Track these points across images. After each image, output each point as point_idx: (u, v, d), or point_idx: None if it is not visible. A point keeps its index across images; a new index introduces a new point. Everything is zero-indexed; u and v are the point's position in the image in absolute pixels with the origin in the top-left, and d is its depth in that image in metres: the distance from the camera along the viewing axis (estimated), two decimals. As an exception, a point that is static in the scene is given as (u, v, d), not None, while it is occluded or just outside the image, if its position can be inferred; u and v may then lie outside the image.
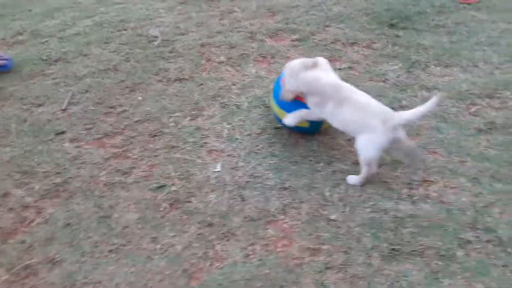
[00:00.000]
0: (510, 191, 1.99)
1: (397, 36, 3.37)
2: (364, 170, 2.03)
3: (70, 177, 2.28)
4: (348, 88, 2.10)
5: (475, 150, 2.24)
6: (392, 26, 3.54)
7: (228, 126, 2.56)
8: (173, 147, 2.42)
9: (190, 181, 2.18)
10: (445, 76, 2.86)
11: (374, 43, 3.33)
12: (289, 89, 2.16)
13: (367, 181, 2.09)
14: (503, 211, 1.90)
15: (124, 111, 2.76)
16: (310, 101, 2.16)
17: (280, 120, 2.34)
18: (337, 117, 2.09)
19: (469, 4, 3.85)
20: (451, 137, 2.34)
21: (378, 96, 2.49)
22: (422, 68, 2.96)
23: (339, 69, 3.07)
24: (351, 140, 2.39)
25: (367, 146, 1.99)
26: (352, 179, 2.10)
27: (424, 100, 2.61)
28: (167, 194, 2.11)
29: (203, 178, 2.19)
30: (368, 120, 1.98)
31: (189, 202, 2.06)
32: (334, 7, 4.00)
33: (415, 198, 2.00)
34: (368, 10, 3.85)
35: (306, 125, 2.31)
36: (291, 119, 2.22)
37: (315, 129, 2.39)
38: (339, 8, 3.98)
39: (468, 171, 2.12)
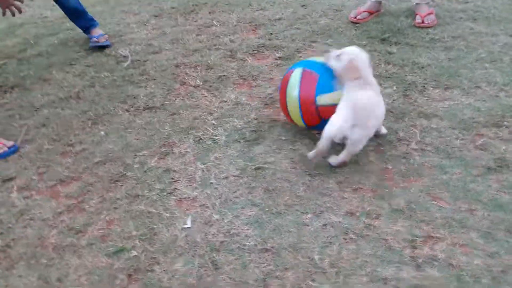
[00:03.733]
0: (531, 250, 1.68)
1: (390, 53, 3.07)
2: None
3: (13, 239, 1.93)
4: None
5: (486, 195, 1.93)
6: (383, 41, 3.24)
7: (202, 167, 2.23)
8: (136, 196, 2.08)
9: (154, 243, 1.84)
10: (445, 100, 2.56)
11: (365, 61, 3.01)
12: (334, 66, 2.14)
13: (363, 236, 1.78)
14: (525, 278, 1.59)
15: (84, 149, 2.41)
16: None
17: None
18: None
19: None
20: (457, 178, 2.03)
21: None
22: (419, 91, 2.66)
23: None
24: (343, 183, 2.08)
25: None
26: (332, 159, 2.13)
27: (424, 130, 2.32)
28: (125, 260, 1.77)
29: (170, 237, 1.85)
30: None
31: (151, 271, 1.73)
32: (320, 20, 3.69)
33: (419, 261, 1.68)
34: (357, 23, 3.55)
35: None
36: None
37: None
38: (326, 20, 3.67)
39: (479, 223, 1.81)
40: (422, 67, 2.88)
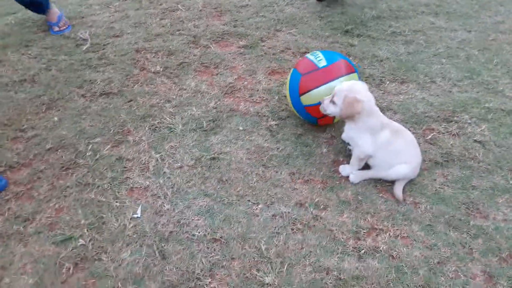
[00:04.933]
0: (464, 242, 1.76)
1: (351, 45, 3.10)
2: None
3: (-44, 227, 1.88)
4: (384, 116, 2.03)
5: (430, 189, 2.00)
6: (346, 32, 3.27)
7: (156, 156, 2.21)
8: (87, 184, 2.05)
9: (102, 232, 1.83)
10: (400, 94, 2.62)
11: (327, 53, 3.03)
12: (333, 112, 2.00)
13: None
14: (458, 269, 1.67)
15: (36, 135, 2.35)
16: (361, 124, 1.93)
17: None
18: (390, 147, 1.94)
19: None
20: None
21: (325, 124, 2.21)
22: (376, 84, 2.71)
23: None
24: (295, 174, 2.11)
25: (408, 174, 1.97)
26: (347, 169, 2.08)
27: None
28: (72, 249, 1.76)
29: (119, 227, 1.85)
30: (414, 155, 1.98)
31: (98, 260, 1.72)
32: (286, 8, 3.68)
33: (362, 252, 1.74)
34: (323, 13, 3.56)
35: None
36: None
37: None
38: (292, 9, 3.67)
39: (421, 216, 1.88)
40: (381, 61, 2.92)
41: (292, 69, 2.26)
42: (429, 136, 2.31)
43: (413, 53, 3.03)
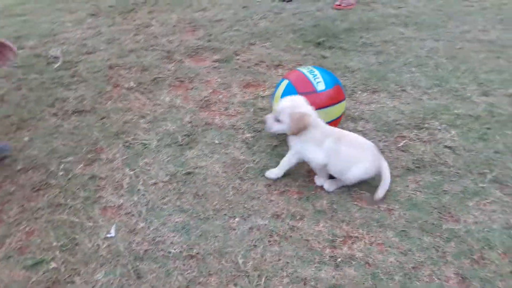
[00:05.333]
0: (438, 246, 1.79)
1: (324, 57, 3.16)
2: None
3: None
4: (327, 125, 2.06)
5: (403, 195, 2.03)
6: (319, 45, 3.33)
7: (130, 173, 2.19)
8: (59, 205, 2.01)
9: (75, 253, 1.79)
10: (372, 104, 2.67)
11: (300, 65, 3.08)
12: (280, 129, 2.02)
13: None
14: (432, 272, 1.69)
15: (5, 157, 2.29)
16: (304, 138, 1.97)
17: None
18: (336, 155, 1.97)
19: (343, 9, 3.83)
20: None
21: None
22: (348, 94, 2.75)
23: (262, 96, 2.79)
24: (271, 186, 2.12)
25: (367, 172, 2.00)
26: (327, 185, 2.08)
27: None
28: (44, 273, 1.71)
29: (92, 247, 1.81)
30: (363, 154, 1.99)
31: (71, 283, 1.68)
32: (260, 22, 3.74)
33: (338, 260, 1.75)
34: (295, 26, 3.62)
35: None
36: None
37: None
38: (266, 23, 3.72)
39: (395, 222, 1.91)
40: (353, 71, 2.98)
41: (284, 82, 2.23)
42: (401, 144, 2.35)
43: (383, 63, 3.10)
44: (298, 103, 1.98)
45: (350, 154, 1.98)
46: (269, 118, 2.04)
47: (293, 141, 2.06)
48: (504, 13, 3.85)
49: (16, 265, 1.75)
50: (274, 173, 2.14)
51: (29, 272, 1.72)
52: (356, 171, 1.98)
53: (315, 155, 2.01)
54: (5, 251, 1.81)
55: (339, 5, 3.85)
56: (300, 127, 1.96)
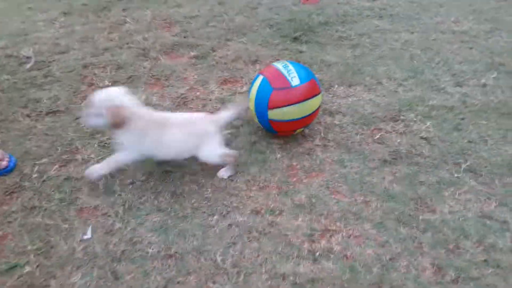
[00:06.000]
0: (414, 237, 1.82)
1: (301, 52, 3.16)
2: (227, 163, 2.09)
3: None
4: (155, 112, 2.01)
5: (380, 187, 2.06)
6: (295, 39, 3.32)
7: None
8: (33, 207, 1.97)
9: (50, 257, 1.76)
10: (348, 97, 2.69)
11: (277, 60, 3.08)
12: (98, 124, 1.89)
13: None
14: (409, 263, 1.71)
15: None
16: (125, 139, 1.93)
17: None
18: (165, 144, 1.94)
19: (311, 4, 3.85)
20: (355, 171, 2.15)
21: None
22: (325, 88, 2.76)
23: (240, 92, 2.78)
24: (250, 182, 2.11)
25: (213, 152, 2.03)
26: (223, 173, 2.11)
27: (327, 126, 2.41)
28: (18, 278, 1.68)
29: (68, 250, 1.78)
30: (201, 132, 1.99)
31: (47, 286, 1.65)
32: (236, 18, 3.71)
33: (317, 254, 1.76)
34: (272, 21, 3.61)
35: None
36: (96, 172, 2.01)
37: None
38: (242, 18, 3.70)
39: (372, 214, 1.93)
40: (329, 65, 2.99)
41: (260, 77, 2.22)
42: (377, 136, 2.37)
43: (359, 56, 3.12)
44: (113, 95, 1.87)
45: (179, 136, 1.95)
46: (87, 112, 1.89)
47: (120, 137, 1.95)
48: (476, 4, 3.92)
49: (-11, 271, 1.71)
50: (96, 169, 2.01)
51: (3, 277, 1.68)
52: (205, 148, 2.00)
53: (132, 153, 1.96)
54: (-23, 258, 1.77)
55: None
56: (118, 121, 1.85)
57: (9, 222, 1.91)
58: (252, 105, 2.26)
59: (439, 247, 1.78)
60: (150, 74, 2.98)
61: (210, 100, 2.71)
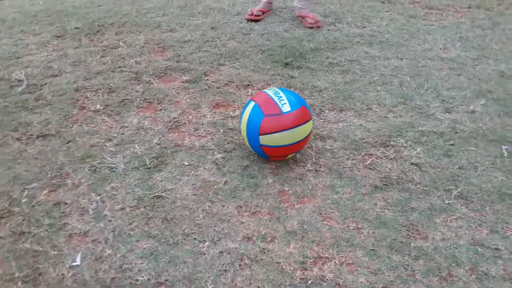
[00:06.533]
0: (406, 264, 1.81)
1: (292, 77, 3.20)
2: None
3: None
4: None
5: (372, 213, 2.06)
6: (286, 65, 3.37)
7: (96, 198, 2.13)
8: (22, 233, 1.93)
9: (38, 284, 1.72)
10: (339, 122, 2.71)
11: (269, 84, 3.11)
12: None
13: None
14: (402, 291, 1.71)
15: (-36, 184, 2.20)
16: None
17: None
18: None
19: (314, 28, 3.96)
20: (346, 197, 2.15)
21: (268, 156, 2.23)
22: (316, 113, 2.79)
23: (232, 116, 2.79)
24: (242, 207, 2.11)
25: None
26: None
27: (319, 151, 2.43)
28: (4, 307, 1.63)
29: (57, 277, 1.74)
30: None
31: (33, 316, 1.60)
32: (229, 43, 3.76)
33: (309, 282, 1.74)
34: (264, 47, 3.67)
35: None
36: None
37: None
38: (234, 43, 3.75)
39: (364, 241, 1.92)
40: (320, 90, 3.03)
41: (251, 103, 2.25)
42: (368, 162, 2.39)
43: (349, 82, 3.17)
44: None
45: None
46: None
47: None
48: (462, 32, 4.02)
49: (-27, 301, 1.66)
50: None
51: (-13, 308, 1.63)
52: None
53: None
54: (-39, 286, 1.72)
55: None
56: None
57: (-4, 248, 1.87)
58: (244, 130, 2.27)
59: (431, 275, 1.77)
60: (143, 98, 2.99)
61: (202, 124, 2.72)
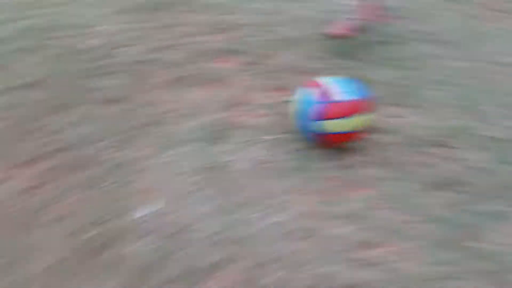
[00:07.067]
0: (459, 263, 1.80)
1: (350, 68, 3.19)
2: None
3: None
4: None
5: (425, 209, 2.08)
6: (345, 56, 3.37)
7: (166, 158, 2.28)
8: (90, 186, 2.08)
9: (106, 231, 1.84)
10: (395, 117, 2.70)
11: (326, 73, 3.10)
12: None
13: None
14: None
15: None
16: None
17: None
18: None
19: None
20: (399, 191, 2.17)
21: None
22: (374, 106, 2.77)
23: (287, 101, 2.82)
24: (295, 188, 2.15)
25: None
26: None
27: (375, 144, 2.43)
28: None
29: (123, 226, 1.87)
30: None
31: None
32: (287, 29, 3.76)
33: (359, 263, 1.78)
34: (323, 36, 3.64)
35: None
36: None
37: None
38: (293, 30, 3.75)
39: (418, 234, 1.95)
40: (379, 84, 3.00)
41: (306, 89, 2.32)
42: (425, 159, 2.40)
43: (409, 78, 3.13)
44: None
45: None
46: None
47: None
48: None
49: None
50: None
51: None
52: None
53: None
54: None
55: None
56: None
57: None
58: (298, 115, 2.32)
59: (485, 277, 1.76)
60: (200, 77, 3.07)
61: (258, 105, 2.77)
